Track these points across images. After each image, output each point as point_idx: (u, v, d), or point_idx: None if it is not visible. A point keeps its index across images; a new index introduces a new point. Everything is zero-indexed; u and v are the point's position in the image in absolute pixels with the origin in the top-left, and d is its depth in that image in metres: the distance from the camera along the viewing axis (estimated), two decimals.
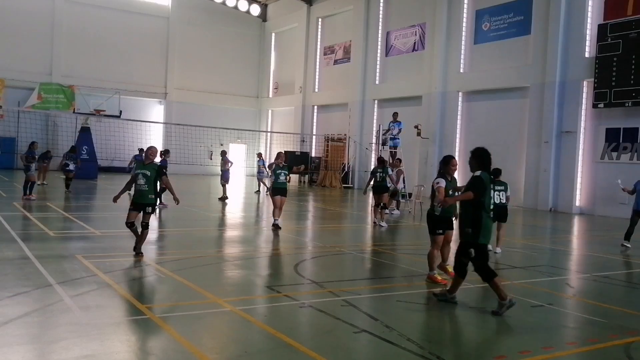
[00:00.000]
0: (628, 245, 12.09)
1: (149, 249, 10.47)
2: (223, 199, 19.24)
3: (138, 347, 4.83)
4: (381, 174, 14.24)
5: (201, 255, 9.41)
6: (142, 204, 8.82)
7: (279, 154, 13.48)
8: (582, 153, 20.82)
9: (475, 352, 5.12)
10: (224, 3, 38.39)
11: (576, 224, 17.52)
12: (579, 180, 20.82)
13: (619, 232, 14.18)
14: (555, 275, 9.03)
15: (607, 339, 5.62)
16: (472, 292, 7.57)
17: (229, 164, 20.18)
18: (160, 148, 23.52)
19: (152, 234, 12.46)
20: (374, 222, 14.21)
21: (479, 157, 6.57)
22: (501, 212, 10.22)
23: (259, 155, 25.03)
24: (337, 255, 10.12)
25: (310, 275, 8.34)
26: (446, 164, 7.70)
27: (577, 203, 20.75)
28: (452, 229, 8.02)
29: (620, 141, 19.63)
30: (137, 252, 8.76)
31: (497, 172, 9.80)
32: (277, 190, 12.85)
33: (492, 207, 6.87)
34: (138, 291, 6.75)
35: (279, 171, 12.86)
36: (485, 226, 6.36)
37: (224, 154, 20.55)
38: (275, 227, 12.60)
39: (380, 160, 14.96)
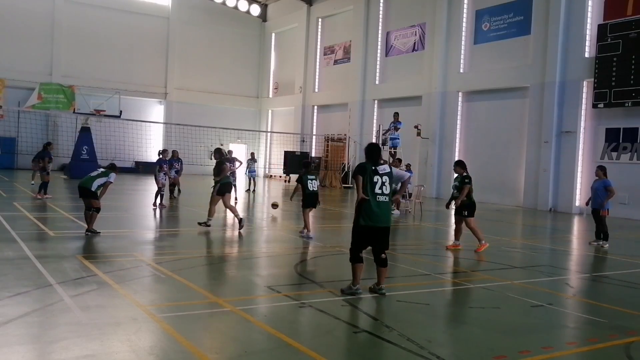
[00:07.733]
0: (600, 243, 12.21)
1: (148, 248, 10.48)
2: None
3: (138, 347, 4.83)
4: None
5: (201, 255, 9.41)
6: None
7: (461, 162, 10.73)
8: (582, 153, 20.82)
9: (475, 352, 5.12)
10: (224, 3, 38.39)
11: (576, 224, 17.51)
12: (578, 180, 20.82)
13: (619, 232, 14.19)
14: (555, 275, 9.02)
15: (607, 339, 5.61)
16: (471, 292, 7.57)
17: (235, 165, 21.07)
18: (160, 148, 23.66)
19: (152, 233, 12.49)
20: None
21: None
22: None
23: (252, 154, 25.71)
24: (337, 255, 10.10)
25: (310, 275, 8.34)
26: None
27: (577, 203, 20.73)
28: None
29: (620, 141, 19.63)
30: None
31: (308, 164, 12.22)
32: (474, 206, 10.44)
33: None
34: (138, 291, 6.75)
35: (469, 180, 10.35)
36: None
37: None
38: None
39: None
